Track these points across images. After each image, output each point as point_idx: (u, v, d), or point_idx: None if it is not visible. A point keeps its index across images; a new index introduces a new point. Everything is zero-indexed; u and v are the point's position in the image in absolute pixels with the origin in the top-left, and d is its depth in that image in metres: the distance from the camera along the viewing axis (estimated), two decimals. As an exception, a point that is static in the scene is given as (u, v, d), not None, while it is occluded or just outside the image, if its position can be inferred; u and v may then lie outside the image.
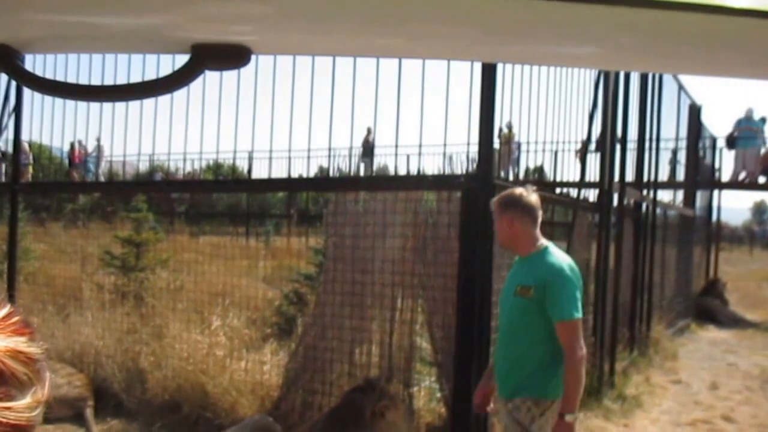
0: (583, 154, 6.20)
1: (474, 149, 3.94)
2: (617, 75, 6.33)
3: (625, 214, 6.91)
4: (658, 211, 8.87)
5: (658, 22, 0.47)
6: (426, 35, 0.54)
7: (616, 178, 6.40)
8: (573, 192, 6.61)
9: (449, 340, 4.05)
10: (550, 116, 5.24)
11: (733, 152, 15.72)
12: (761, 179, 14.97)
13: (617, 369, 6.27)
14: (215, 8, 0.51)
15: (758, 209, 59.05)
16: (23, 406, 0.59)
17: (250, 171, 17.08)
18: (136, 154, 6.71)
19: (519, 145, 11.46)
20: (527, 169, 12.79)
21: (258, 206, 20.74)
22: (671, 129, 10.32)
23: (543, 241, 2.72)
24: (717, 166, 15.31)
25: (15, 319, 0.63)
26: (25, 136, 6.36)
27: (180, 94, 5.00)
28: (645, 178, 8.08)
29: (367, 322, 4.33)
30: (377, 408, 3.36)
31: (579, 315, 2.57)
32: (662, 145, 9.15)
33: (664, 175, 9.84)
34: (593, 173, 6.30)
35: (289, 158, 5.93)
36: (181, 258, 7.18)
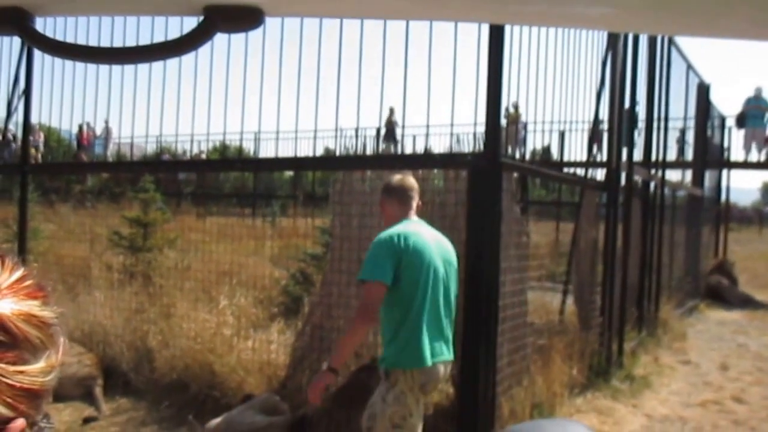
0: (592, 134, 6.14)
1: (481, 129, 3.91)
2: (625, 53, 6.24)
3: (633, 193, 6.86)
4: (667, 190, 8.80)
5: None
6: None
7: (624, 157, 6.35)
8: (581, 172, 6.56)
9: (456, 319, 4.05)
10: (557, 95, 5.17)
11: (742, 131, 15.56)
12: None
13: (625, 349, 6.27)
14: None
15: (768, 189, 58.62)
16: (37, 370, 0.58)
17: (256, 152, 17.06)
18: (144, 136, 6.73)
19: (525, 125, 11.39)
20: (534, 149, 12.72)
21: (264, 187, 20.77)
22: (680, 108, 10.20)
23: (408, 219, 2.77)
24: (726, 145, 15.17)
25: (28, 282, 0.62)
26: (34, 119, 6.38)
27: (188, 75, 4.98)
28: (653, 158, 8.01)
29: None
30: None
31: (372, 278, 2.57)
32: (670, 124, 9.05)
33: (672, 155, 9.75)
34: (601, 153, 6.24)
35: (296, 139, 5.90)
36: (189, 238, 7.21)
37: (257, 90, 4.69)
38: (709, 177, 12.88)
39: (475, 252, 3.75)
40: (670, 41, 8.43)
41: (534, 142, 13.13)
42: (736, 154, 15.55)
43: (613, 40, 5.96)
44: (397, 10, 0.63)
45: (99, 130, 19.74)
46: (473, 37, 3.91)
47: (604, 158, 6.11)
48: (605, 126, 6.12)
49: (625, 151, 6.39)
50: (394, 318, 2.64)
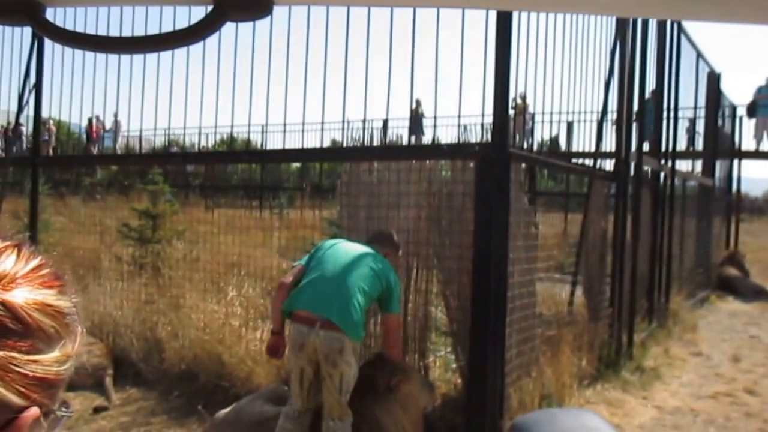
0: (600, 124, 6.08)
1: (489, 120, 3.88)
2: (634, 42, 6.17)
3: (642, 183, 6.80)
4: (677, 181, 8.73)
5: None
6: None
7: (633, 147, 6.29)
8: (589, 163, 6.51)
9: (464, 310, 4.04)
10: (565, 86, 5.12)
11: (753, 120, 15.38)
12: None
13: (636, 341, 6.24)
14: None
15: (780, 180, 57.87)
16: (51, 359, 0.58)
17: (264, 144, 17.10)
18: (152, 129, 6.75)
19: (533, 116, 11.31)
20: (541, 140, 12.64)
21: (271, 180, 20.82)
22: (690, 97, 10.09)
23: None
24: (737, 134, 15.01)
25: (45, 271, 0.61)
26: (44, 113, 6.43)
27: (195, 69, 4.98)
28: (663, 148, 7.94)
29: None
30: (393, 382, 3.38)
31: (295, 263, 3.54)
32: (680, 113, 8.96)
33: (682, 145, 9.66)
34: (609, 143, 6.19)
35: (303, 131, 5.88)
36: (197, 230, 7.24)
37: (264, 83, 4.68)
38: (719, 167, 12.77)
39: (483, 243, 3.73)
40: (680, 29, 8.33)
41: (542, 133, 13.06)
42: (748, 143, 15.40)
43: (621, 28, 5.89)
44: None
45: (108, 123, 19.85)
46: (480, 27, 3.88)
47: (613, 148, 6.06)
48: (614, 116, 6.07)
49: (634, 141, 6.32)
50: None
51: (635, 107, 6.33)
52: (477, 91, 3.93)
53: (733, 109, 14.65)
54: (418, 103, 13.48)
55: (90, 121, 18.43)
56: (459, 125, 4.53)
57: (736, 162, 14.72)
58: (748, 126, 15.45)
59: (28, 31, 6.07)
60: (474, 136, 4.38)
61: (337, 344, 3.12)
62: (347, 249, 3.40)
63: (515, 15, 3.80)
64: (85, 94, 5.64)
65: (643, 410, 4.86)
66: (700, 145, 11.61)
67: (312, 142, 10.13)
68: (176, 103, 5.19)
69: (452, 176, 4.28)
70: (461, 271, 4.07)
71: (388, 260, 3.39)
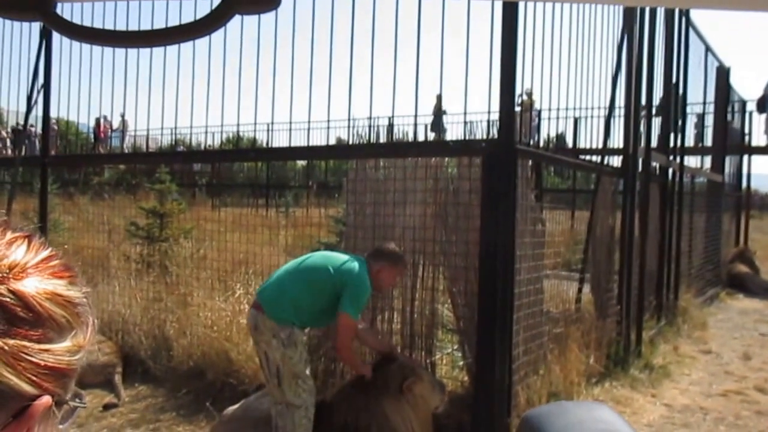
0: (608, 120, 6.04)
1: (494, 117, 3.86)
2: (641, 36, 6.12)
3: (651, 180, 6.76)
4: (686, 177, 8.67)
5: None
6: None
7: (642, 143, 6.25)
8: (596, 160, 6.47)
9: (471, 307, 4.03)
10: (572, 82, 5.09)
11: (763, 116, 15.25)
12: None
13: (644, 338, 6.20)
14: None
15: (790, 176, 57.41)
16: (63, 349, 0.58)
17: (270, 142, 17.14)
18: (159, 129, 6.79)
19: (539, 112, 11.27)
20: (548, 137, 12.60)
21: (277, 178, 20.87)
22: (698, 92, 10.02)
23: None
24: (747, 130, 14.88)
25: (55, 262, 0.62)
26: (53, 113, 6.47)
27: (201, 68, 4.98)
28: (671, 144, 7.88)
29: (389, 289, 4.33)
30: (405, 385, 3.39)
31: None
32: (689, 109, 8.90)
33: (691, 140, 9.59)
34: (617, 140, 6.15)
35: (309, 129, 5.88)
36: (204, 228, 7.26)
37: (270, 81, 4.68)
38: (729, 163, 12.67)
39: (489, 240, 3.72)
40: (688, 23, 8.26)
41: (548, 129, 13.01)
42: (758, 139, 15.25)
43: (629, 22, 5.85)
44: None
45: (116, 123, 19.96)
46: (486, 23, 3.87)
47: (620, 144, 6.02)
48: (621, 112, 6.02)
49: (642, 137, 6.28)
50: None
51: (654, 101, 6.27)
52: (483, 87, 3.91)
53: (743, 104, 14.52)
54: (438, 99, 13.20)
55: (98, 120, 18.54)
56: (465, 122, 4.52)
57: (745, 158, 14.60)
58: (758, 121, 15.32)
59: (36, 31, 6.12)
60: (480, 133, 4.37)
61: (252, 321, 3.37)
62: (319, 254, 3.60)
63: (521, 10, 3.78)
64: (92, 93, 5.67)
65: (652, 408, 4.84)
66: (709, 140, 11.52)
67: (318, 140, 10.14)
68: (183, 103, 5.21)
69: (459, 173, 4.27)
70: (468, 268, 4.06)
71: (380, 275, 3.42)
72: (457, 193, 4.20)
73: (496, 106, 3.77)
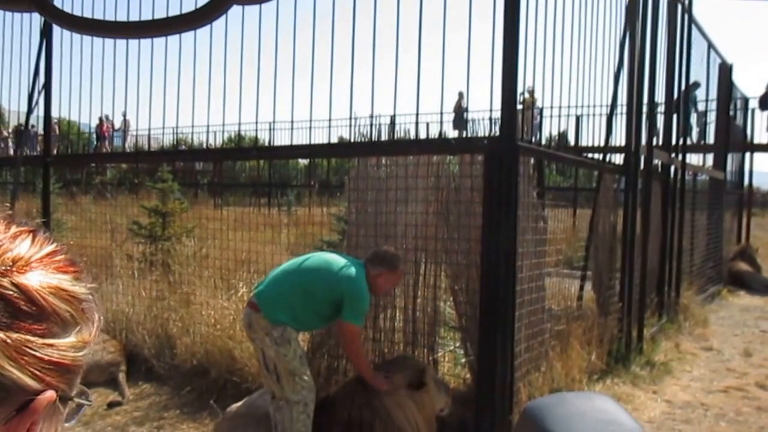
0: (610, 117, 6.04)
1: (496, 115, 3.87)
2: (644, 33, 6.12)
3: (652, 177, 6.75)
4: (688, 174, 8.66)
5: None
6: None
7: (644, 141, 6.24)
8: (598, 158, 6.46)
9: (473, 304, 4.04)
10: (574, 80, 5.09)
11: (766, 113, 15.23)
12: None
13: (646, 335, 6.21)
14: None
15: (792, 173, 57.22)
16: (67, 344, 0.58)
17: (271, 141, 17.14)
18: (161, 128, 6.79)
19: (541, 111, 11.25)
20: (549, 136, 12.57)
21: (279, 177, 20.89)
22: (701, 89, 9.99)
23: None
24: (749, 127, 14.85)
25: (60, 257, 0.62)
26: (54, 113, 6.48)
27: (203, 67, 4.99)
28: (673, 141, 7.88)
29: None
30: (421, 380, 3.42)
31: None
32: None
33: (693, 138, 9.57)
34: (619, 137, 6.14)
35: (311, 128, 5.89)
36: (206, 227, 7.28)
37: (271, 80, 4.69)
38: (731, 160, 12.65)
39: (491, 237, 3.73)
40: (691, 19, 8.25)
41: (550, 128, 13.00)
42: (760, 136, 15.24)
43: (631, 19, 5.85)
44: None
45: (117, 123, 19.99)
46: (488, 21, 3.87)
47: (622, 142, 6.02)
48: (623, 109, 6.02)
49: (644, 134, 6.27)
50: None
51: (658, 98, 6.23)
52: (485, 85, 3.91)
53: (745, 101, 14.50)
54: (461, 95, 12.95)
55: (101, 119, 18.55)
56: (467, 120, 4.52)
57: (748, 155, 14.58)
58: (761, 119, 15.34)
59: (36, 30, 6.13)
60: (482, 131, 4.37)
61: (246, 319, 3.42)
62: (317, 257, 3.57)
63: (523, 8, 3.79)
64: (93, 93, 5.68)
65: (653, 405, 4.84)
66: (711, 138, 11.51)
67: (319, 138, 10.14)
68: (184, 102, 5.21)
69: (460, 170, 4.27)
70: (470, 266, 4.07)
71: (379, 280, 3.42)
72: (459, 190, 4.21)
73: (498, 103, 3.78)
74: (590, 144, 10.53)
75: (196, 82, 5.14)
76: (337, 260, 3.47)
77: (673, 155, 7.76)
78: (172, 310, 5.40)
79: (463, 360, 4.44)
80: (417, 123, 4.46)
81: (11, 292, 0.55)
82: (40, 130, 8.51)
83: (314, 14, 4.53)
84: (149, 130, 8.63)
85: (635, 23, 5.89)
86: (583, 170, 12.66)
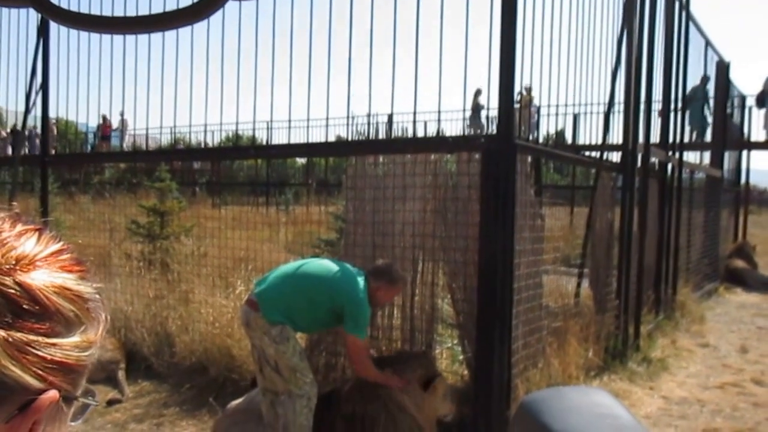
0: (607, 115, 6.06)
1: (493, 113, 3.88)
2: (641, 31, 6.14)
3: (649, 175, 6.78)
4: (685, 172, 8.69)
5: None
6: None
7: (641, 139, 6.26)
8: (596, 156, 6.48)
9: (471, 302, 4.06)
10: (571, 78, 5.11)
11: (763, 111, 15.26)
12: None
13: (642, 332, 6.24)
14: None
15: (790, 171, 57.27)
16: (71, 344, 0.57)
17: (269, 140, 17.14)
18: (158, 128, 6.79)
19: (538, 109, 11.27)
20: (547, 134, 12.60)
21: (277, 176, 20.89)
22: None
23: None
24: (746, 125, 14.89)
25: (65, 256, 0.61)
26: (51, 112, 6.49)
27: (200, 66, 5.00)
28: (670, 139, 7.90)
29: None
30: (432, 381, 3.45)
31: None
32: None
33: (708, 133, 9.57)
34: (616, 135, 6.16)
35: (308, 127, 5.91)
36: (205, 226, 7.29)
37: (268, 79, 4.70)
38: (728, 158, 12.68)
39: (489, 235, 3.75)
40: (688, 17, 8.27)
41: (547, 126, 13.00)
42: (757, 134, 15.26)
43: (628, 17, 5.86)
44: None
45: (115, 122, 19.95)
46: (485, 18, 3.89)
47: (620, 140, 6.04)
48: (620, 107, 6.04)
49: (641, 132, 6.29)
50: None
51: (655, 96, 6.23)
52: (482, 83, 3.93)
53: (743, 99, 14.53)
54: (478, 92, 12.72)
55: (104, 118, 18.50)
56: (464, 118, 4.54)
57: (745, 153, 14.62)
58: (758, 116, 15.33)
59: (33, 30, 6.13)
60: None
61: (244, 318, 3.44)
62: (319, 263, 3.58)
63: (520, 6, 3.80)
64: (91, 93, 5.69)
65: (650, 401, 4.87)
66: (708, 135, 11.53)
67: (317, 137, 10.15)
68: (181, 101, 5.22)
69: (458, 168, 4.29)
70: (467, 264, 4.08)
71: (378, 293, 3.43)
72: (457, 188, 4.22)
73: (495, 102, 3.79)
74: (587, 142, 10.55)
75: (194, 82, 5.16)
76: (340, 269, 3.47)
77: (670, 153, 7.78)
78: (171, 308, 5.42)
79: (461, 357, 4.46)
80: (414, 121, 4.48)
81: (14, 291, 0.54)
82: (40, 130, 8.50)
83: (311, 13, 4.54)
84: (147, 129, 8.64)
85: (632, 21, 5.90)
86: (580, 168, 12.69)
